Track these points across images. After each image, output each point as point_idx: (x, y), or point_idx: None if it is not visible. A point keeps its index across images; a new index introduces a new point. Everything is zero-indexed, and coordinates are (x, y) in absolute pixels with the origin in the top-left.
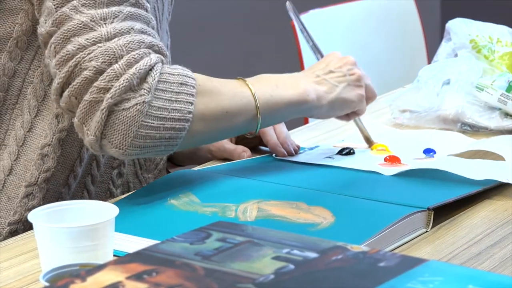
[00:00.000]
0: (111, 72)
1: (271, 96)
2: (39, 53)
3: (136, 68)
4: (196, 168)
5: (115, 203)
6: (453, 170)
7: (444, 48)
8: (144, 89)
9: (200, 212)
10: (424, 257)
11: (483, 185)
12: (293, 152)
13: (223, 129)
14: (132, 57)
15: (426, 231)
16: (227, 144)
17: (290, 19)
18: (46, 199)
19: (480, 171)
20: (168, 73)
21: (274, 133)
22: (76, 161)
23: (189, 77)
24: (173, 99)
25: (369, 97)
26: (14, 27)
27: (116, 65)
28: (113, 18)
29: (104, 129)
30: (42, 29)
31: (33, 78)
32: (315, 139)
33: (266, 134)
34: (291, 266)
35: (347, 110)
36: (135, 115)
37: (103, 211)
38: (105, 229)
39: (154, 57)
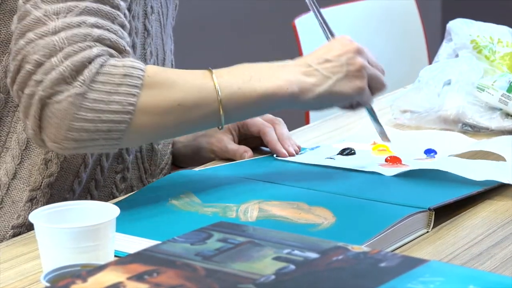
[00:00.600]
0: (48, 65)
1: (239, 88)
2: None
3: (71, 61)
4: (197, 168)
5: (116, 204)
6: (454, 171)
7: (445, 48)
8: (79, 81)
9: (201, 212)
10: (425, 258)
11: (484, 185)
12: (294, 153)
13: (177, 123)
14: (72, 50)
15: (427, 232)
16: (229, 144)
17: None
18: (50, 204)
19: (480, 172)
20: (112, 65)
21: (275, 133)
22: (80, 166)
23: (136, 68)
24: (112, 91)
25: (375, 87)
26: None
27: (55, 58)
28: (67, 13)
29: (40, 123)
30: (12, 26)
31: None
32: (316, 139)
33: (266, 134)
34: (292, 267)
35: (342, 103)
36: (67, 107)
37: (104, 212)
38: (106, 230)
39: (96, 50)
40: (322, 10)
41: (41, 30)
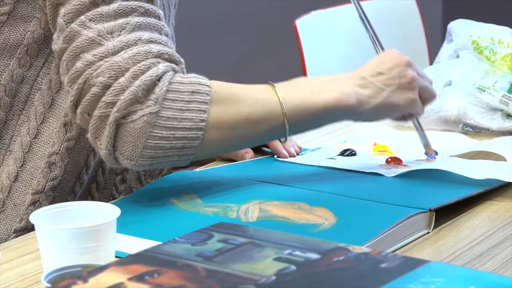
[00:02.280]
0: (117, 86)
1: (301, 102)
2: (49, 61)
3: (141, 80)
4: (198, 169)
5: (117, 204)
6: (455, 170)
7: (445, 49)
8: (151, 100)
9: (202, 212)
10: (425, 258)
11: (484, 186)
12: (295, 154)
13: (245, 137)
14: (138, 69)
15: (428, 232)
16: None
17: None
18: None
19: (481, 171)
20: (179, 82)
21: None
22: (83, 169)
23: (203, 84)
24: (184, 108)
25: (426, 98)
26: (25, 34)
27: (122, 78)
28: (120, 31)
29: (114, 142)
30: (55, 46)
31: (41, 85)
32: (317, 140)
33: None
34: (293, 267)
35: (395, 114)
36: (142, 126)
37: (105, 212)
38: (106, 230)
39: (162, 66)
40: (323, 11)
41: (99, 51)
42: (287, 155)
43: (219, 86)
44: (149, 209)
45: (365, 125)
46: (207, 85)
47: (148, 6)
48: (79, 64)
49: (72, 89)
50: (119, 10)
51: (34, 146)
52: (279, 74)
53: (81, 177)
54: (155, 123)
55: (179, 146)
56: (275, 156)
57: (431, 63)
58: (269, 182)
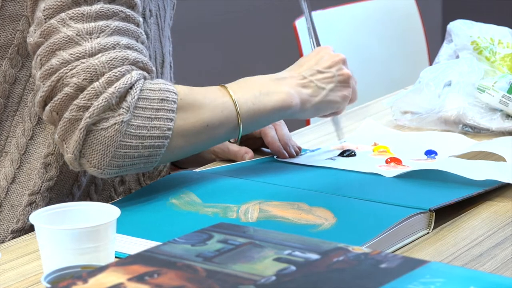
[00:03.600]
0: (91, 90)
1: (253, 104)
2: (32, 57)
3: (115, 87)
4: (198, 169)
5: (116, 204)
6: (455, 171)
7: (445, 49)
8: (123, 108)
9: (202, 212)
10: (425, 259)
11: (484, 186)
12: (295, 154)
13: (204, 142)
14: (114, 75)
15: (428, 233)
16: (231, 146)
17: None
18: None
19: (481, 172)
20: (149, 89)
21: (276, 134)
22: (80, 171)
23: (171, 91)
24: (152, 116)
25: (352, 98)
26: (15, 34)
27: (97, 83)
28: (99, 33)
29: (82, 148)
30: (31, 39)
31: (34, 85)
32: (317, 140)
33: (267, 136)
34: (293, 268)
35: (331, 111)
36: (113, 135)
37: (105, 213)
38: (106, 231)
39: (135, 74)
40: (323, 11)
41: (75, 51)
42: (287, 155)
43: (184, 92)
44: (149, 210)
45: (365, 126)
46: (174, 92)
47: (129, 12)
48: (54, 61)
49: (43, 84)
50: (100, 12)
51: (30, 148)
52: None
53: (79, 179)
54: (125, 132)
55: (146, 154)
56: (275, 157)
57: (430, 63)
58: (269, 183)
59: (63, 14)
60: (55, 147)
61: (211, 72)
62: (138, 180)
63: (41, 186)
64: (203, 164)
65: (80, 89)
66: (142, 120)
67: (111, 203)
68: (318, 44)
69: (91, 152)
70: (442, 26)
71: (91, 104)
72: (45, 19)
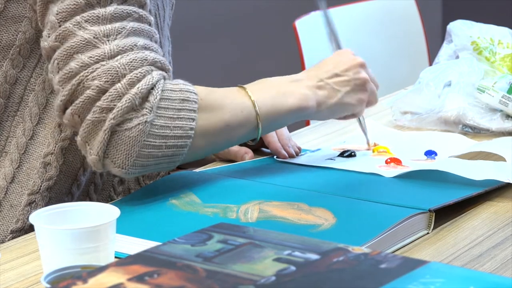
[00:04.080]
0: (114, 92)
1: (272, 105)
2: (42, 61)
3: (138, 88)
4: (198, 169)
5: (116, 205)
6: (454, 171)
7: (445, 49)
8: (146, 108)
9: (202, 212)
10: (425, 259)
11: (484, 186)
12: (294, 154)
13: (224, 142)
14: (135, 76)
15: (428, 233)
16: None
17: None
18: None
19: (481, 172)
20: (170, 90)
21: (276, 135)
22: (79, 170)
23: (191, 92)
24: (175, 116)
25: (370, 101)
26: (17, 35)
27: (119, 84)
28: (116, 35)
29: (106, 149)
30: (45, 43)
31: (35, 86)
32: (317, 141)
33: (267, 136)
34: (293, 268)
35: (346, 113)
36: (137, 135)
37: (105, 213)
38: (106, 231)
39: (156, 74)
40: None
41: (95, 54)
42: (287, 155)
43: (204, 93)
44: (148, 210)
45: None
46: (194, 93)
47: (141, 12)
48: (73, 65)
49: (63, 89)
50: (115, 13)
51: (30, 147)
52: (279, 75)
53: (78, 179)
54: (149, 132)
55: (170, 154)
56: (275, 157)
57: (430, 63)
58: (269, 183)
59: (78, 17)
60: (55, 146)
61: (211, 72)
62: (138, 180)
63: (41, 186)
64: (203, 164)
65: (102, 91)
66: (165, 120)
67: (111, 203)
68: (339, 48)
69: (115, 152)
70: (442, 27)
71: (115, 105)
72: (59, 22)
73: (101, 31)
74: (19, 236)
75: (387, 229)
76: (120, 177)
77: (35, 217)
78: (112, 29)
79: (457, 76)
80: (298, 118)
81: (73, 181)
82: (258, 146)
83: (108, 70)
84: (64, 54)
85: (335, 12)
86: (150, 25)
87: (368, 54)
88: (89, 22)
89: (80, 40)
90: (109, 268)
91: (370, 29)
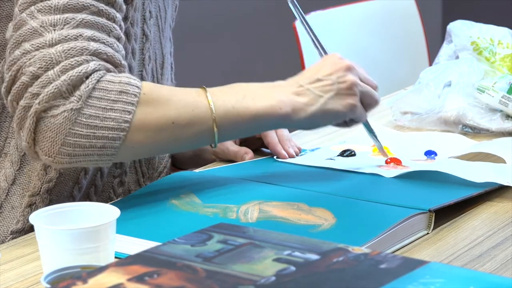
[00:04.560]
0: (45, 78)
1: (233, 107)
2: None
3: (68, 75)
4: (198, 170)
5: (116, 205)
6: (454, 172)
7: (445, 50)
8: (75, 96)
9: (201, 213)
10: (425, 259)
11: (484, 187)
12: (294, 154)
13: (170, 141)
14: (69, 64)
15: (427, 233)
16: (231, 146)
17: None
18: None
19: (480, 174)
20: (108, 81)
21: (276, 135)
22: (81, 172)
23: (132, 85)
24: (108, 107)
25: (368, 103)
26: None
27: (51, 71)
28: (64, 25)
29: (35, 136)
30: (7, 34)
31: None
32: (316, 141)
33: (267, 136)
34: (292, 268)
35: (335, 121)
36: (62, 122)
37: (105, 213)
38: (106, 231)
39: (93, 64)
40: (323, 12)
41: (37, 41)
42: (287, 155)
43: (150, 87)
44: (148, 210)
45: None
46: (136, 86)
47: (102, 6)
48: (17, 52)
49: (7, 75)
50: (68, 5)
51: None
52: (279, 75)
53: (79, 181)
54: (75, 120)
55: (99, 145)
56: (275, 157)
57: (430, 64)
58: (269, 183)
59: (33, 7)
60: None
61: (212, 72)
62: (138, 181)
63: (41, 188)
64: (203, 164)
65: (35, 77)
66: (96, 110)
67: (111, 203)
68: (326, 53)
69: (42, 139)
70: (442, 27)
71: (43, 91)
72: (19, 13)
73: (48, 20)
74: (19, 237)
75: (387, 229)
76: (120, 179)
77: (35, 217)
78: (60, 19)
79: (457, 76)
80: (271, 125)
81: (74, 184)
82: (258, 146)
83: (44, 57)
84: (13, 42)
85: (335, 12)
86: (113, 21)
87: (368, 54)
88: (41, 12)
89: (28, 29)
90: (109, 268)
91: (370, 29)
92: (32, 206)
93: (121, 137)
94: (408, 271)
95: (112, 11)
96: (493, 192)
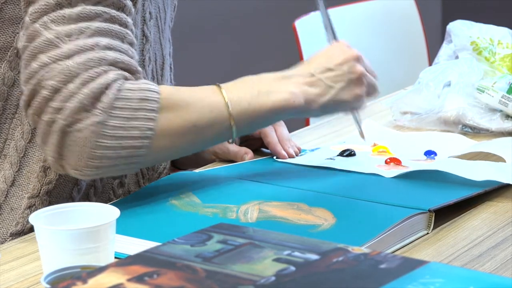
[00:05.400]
0: (66, 92)
1: (249, 104)
2: None
3: (89, 88)
4: (198, 170)
5: (116, 205)
6: (454, 171)
7: (445, 50)
8: (98, 109)
9: (201, 213)
10: (425, 259)
11: (484, 187)
12: (294, 154)
13: (192, 143)
14: (89, 76)
15: (427, 233)
16: (231, 146)
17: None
18: None
19: (480, 172)
20: (128, 89)
21: (275, 135)
22: None
23: (152, 91)
24: (131, 116)
25: (370, 93)
26: (14, 37)
27: (72, 84)
28: (79, 35)
29: (60, 150)
30: (19, 43)
31: None
32: (316, 141)
33: (267, 136)
34: (292, 268)
35: (342, 110)
36: (88, 136)
37: (104, 213)
38: (106, 231)
39: (112, 74)
40: None
41: (54, 53)
42: (286, 156)
43: (168, 92)
44: (148, 210)
45: (364, 126)
46: (156, 92)
47: (114, 13)
48: (34, 65)
49: (26, 88)
50: (82, 14)
51: (30, 151)
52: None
53: (79, 183)
54: (101, 132)
55: (125, 155)
56: (275, 157)
57: (430, 64)
58: (269, 183)
59: (45, 17)
60: None
61: (212, 73)
62: (138, 182)
63: (41, 189)
64: (202, 164)
65: (56, 91)
66: (120, 121)
67: (110, 203)
68: (335, 39)
69: (68, 154)
70: (441, 27)
71: (65, 105)
72: (31, 23)
73: (63, 30)
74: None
75: (387, 229)
76: (120, 180)
77: (35, 218)
78: (75, 28)
79: (457, 76)
80: (285, 117)
81: (73, 185)
82: (258, 147)
83: (63, 70)
84: (29, 54)
85: (335, 12)
86: (125, 26)
87: (368, 54)
88: (55, 22)
89: (44, 40)
90: (109, 268)
91: (370, 29)
92: (31, 208)
93: (146, 145)
94: (408, 271)
95: (123, 16)
96: (493, 192)
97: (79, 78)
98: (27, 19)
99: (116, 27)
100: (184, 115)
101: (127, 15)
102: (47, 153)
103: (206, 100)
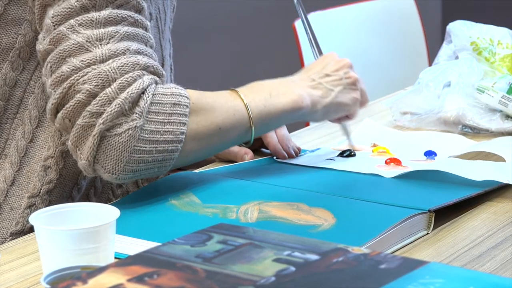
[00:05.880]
0: (104, 96)
1: (264, 106)
2: (41, 64)
3: (128, 92)
4: (197, 170)
5: (116, 205)
6: (454, 171)
7: (445, 50)
8: (136, 113)
9: (201, 213)
10: (425, 259)
11: (484, 187)
12: (294, 154)
13: (216, 145)
14: (125, 80)
15: (427, 233)
16: None
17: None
18: None
19: (480, 172)
20: (161, 94)
21: (275, 135)
22: (80, 174)
23: (183, 96)
24: (165, 121)
25: (362, 101)
26: (17, 38)
27: (109, 88)
28: (109, 39)
29: (96, 154)
30: (40, 46)
31: (35, 88)
32: (316, 141)
33: (267, 136)
34: (292, 268)
35: (341, 113)
36: (127, 140)
37: (104, 214)
38: (106, 232)
39: (147, 79)
40: (322, 12)
41: (86, 57)
42: (286, 156)
43: (196, 96)
44: (148, 210)
45: (364, 126)
46: (186, 97)
47: (137, 16)
48: (65, 68)
49: (55, 92)
50: (109, 18)
51: (30, 150)
52: (279, 76)
53: (79, 182)
54: (139, 137)
55: (160, 158)
56: (274, 157)
57: (430, 64)
58: (268, 183)
59: (72, 20)
60: (55, 150)
61: (212, 73)
62: (136, 183)
63: (41, 189)
64: (202, 164)
65: (92, 95)
66: (155, 125)
67: (110, 204)
68: (321, 53)
69: (105, 158)
70: (441, 27)
71: (104, 110)
72: (54, 26)
73: (94, 35)
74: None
75: (386, 229)
76: None
77: (35, 218)
78: (105, 33)
79: (457, 77)
80: (293, 118)
81: (73, 185)
82: (258, 147)
83: (99, 74)
84: (56, 57)
85: (335, 12)
86: (146, 30)
87: (368, 54)
88: (83, 26)
89: (73, 44)
90: (109, 268)
91: (370, 30)
92: (31, 208)
93: (179, 149)
94: (408, 271)
95: (143, 19)
96: (493, 192)
97: (116, 82)
98: (48, 21)
99: (140, 31)
100: (210, 118)
101: (146, 19)
102: (80, 157)
103: (229, 104)
